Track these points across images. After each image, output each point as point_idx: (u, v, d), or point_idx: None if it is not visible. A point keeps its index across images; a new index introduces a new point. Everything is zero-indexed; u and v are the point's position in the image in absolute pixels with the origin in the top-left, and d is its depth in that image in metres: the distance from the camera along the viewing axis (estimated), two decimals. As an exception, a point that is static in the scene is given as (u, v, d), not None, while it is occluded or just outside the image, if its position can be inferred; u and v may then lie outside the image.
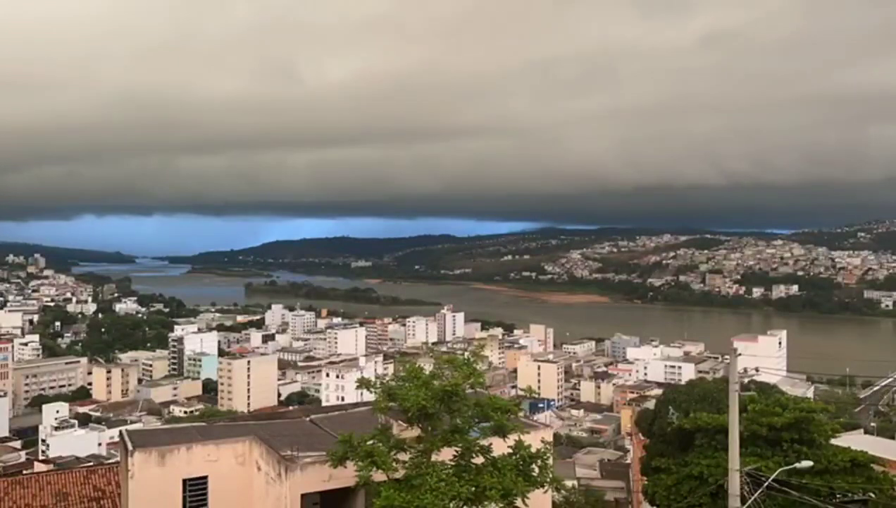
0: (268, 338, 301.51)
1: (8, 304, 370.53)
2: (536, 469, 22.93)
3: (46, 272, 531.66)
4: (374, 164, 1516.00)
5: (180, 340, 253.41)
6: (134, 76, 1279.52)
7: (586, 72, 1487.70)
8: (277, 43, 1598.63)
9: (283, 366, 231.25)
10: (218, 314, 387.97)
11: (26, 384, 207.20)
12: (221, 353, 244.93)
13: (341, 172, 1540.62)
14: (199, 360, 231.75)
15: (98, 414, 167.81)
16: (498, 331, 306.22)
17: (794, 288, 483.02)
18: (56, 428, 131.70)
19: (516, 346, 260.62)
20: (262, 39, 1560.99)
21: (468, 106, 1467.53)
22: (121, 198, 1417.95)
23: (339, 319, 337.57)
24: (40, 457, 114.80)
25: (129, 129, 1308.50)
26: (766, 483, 24.92)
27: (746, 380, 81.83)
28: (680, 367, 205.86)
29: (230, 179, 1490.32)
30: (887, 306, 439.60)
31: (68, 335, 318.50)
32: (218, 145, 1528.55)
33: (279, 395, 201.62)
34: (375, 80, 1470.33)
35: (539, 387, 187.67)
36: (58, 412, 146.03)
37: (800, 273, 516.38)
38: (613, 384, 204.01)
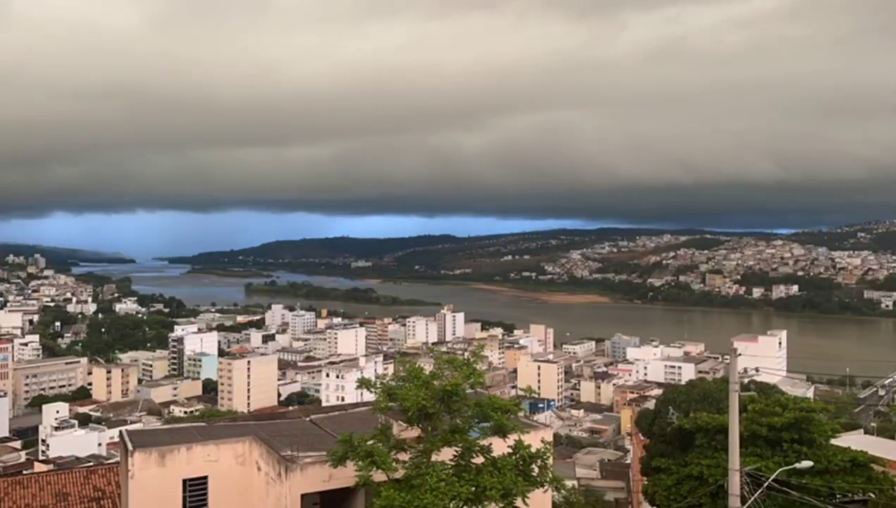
0: (268, 338, 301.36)
1: (8, 304, 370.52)
2: (536, 469, 22.93)
3: (46, 272, 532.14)
4: (362, 160, 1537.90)
5: (180, 340, 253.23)
6: (118, 72, 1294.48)
7: (550, 79, 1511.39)
8: (263, 40, 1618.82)
9: (283, 366, 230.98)
10: (218, 315, 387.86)
11: (26, 384, 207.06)
12: (221, 353, 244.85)
13: (335, 169, 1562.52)
14: (199, 360, 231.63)
15: (98, 414, 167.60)
16: (498, 331, 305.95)
17: (794, 288, 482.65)
18: (56, 428, 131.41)
19: (516, 346, 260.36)
20: (248, 35, 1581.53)
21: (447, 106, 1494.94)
22: (96, 195, 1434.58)
23: (339, 319, 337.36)
24: (40, 457, 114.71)
25: (109, 126, 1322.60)
26: (766, 483, 24.91)
27: (746, 380, 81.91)
28: (680, 367, 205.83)
29: (215, 176, 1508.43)
30: (887, 306, 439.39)
31: (68, 335, 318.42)
32: (207, 143, 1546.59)
33: (279, 395, 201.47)
34: (348, 80, 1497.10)
35: (539, 387, 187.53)
36: (58, 412, 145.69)
37: (800, 273, 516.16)
38: (613, 385, 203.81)
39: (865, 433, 69.59)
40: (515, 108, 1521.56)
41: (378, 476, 21.70)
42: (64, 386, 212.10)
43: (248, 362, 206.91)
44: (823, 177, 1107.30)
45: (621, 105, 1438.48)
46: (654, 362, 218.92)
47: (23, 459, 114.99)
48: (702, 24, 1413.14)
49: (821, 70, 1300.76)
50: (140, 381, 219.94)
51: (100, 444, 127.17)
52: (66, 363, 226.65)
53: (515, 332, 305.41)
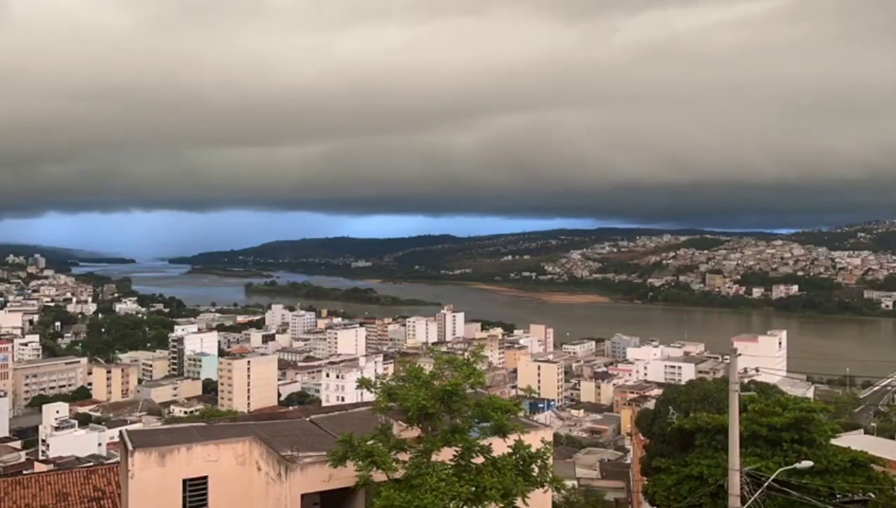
0: (268, 338, 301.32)
1: (8, 304, 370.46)
2: (536, 469, 22.94)
3: (46, 272, 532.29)
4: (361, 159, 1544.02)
5: (180, 340, 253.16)
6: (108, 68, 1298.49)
7: (545, 79, 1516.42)
8: (258, 41, 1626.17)
9: (283, 366, 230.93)
10: (218, 315, 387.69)
11: (26, 384, 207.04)
12: (221, 353, 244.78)
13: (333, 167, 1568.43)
14: (199, 360, 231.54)
15: (98, 414, 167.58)
16: (498, 331, 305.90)
17: (794, 288, 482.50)
18: (56, 428, 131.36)
19: (516, 346, 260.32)
20: (242, 36, 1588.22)
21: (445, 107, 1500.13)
22: (92, 195, 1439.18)
23: (339, 319, 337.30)
24: (40, 457, 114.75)
25: (105, 126, 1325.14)
26: (766, 483, 24.91)
27: (746, 380, 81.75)
28: (680, 367, 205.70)
29: (212, 176, 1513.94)
30: (887, 306, 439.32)
31: (68, 335, 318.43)
32: (204, 142, 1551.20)
33: (279, 395, 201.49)
34: (344, 80, 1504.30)
35: (539, 387, 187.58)
36: (58, 412, 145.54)
37: (800, 273, 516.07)
38: (613, 385, 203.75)
39: (865, 433, 69.61)
40: (513, 108, 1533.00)
41: (378, 476, 21.70)
42: (64, 386, 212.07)
43: (248, 362, 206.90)
44: (823, 177, 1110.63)
45: (620, 105, 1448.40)
46: (654, 362, 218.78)
47: (23, 459, 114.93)
48: (699, 24, 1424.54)
49: (819, 71, 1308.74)
50: (140, 381, 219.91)
51: (100, 444, 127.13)
52: (66, 363, 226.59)
53: (515, 332, 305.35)
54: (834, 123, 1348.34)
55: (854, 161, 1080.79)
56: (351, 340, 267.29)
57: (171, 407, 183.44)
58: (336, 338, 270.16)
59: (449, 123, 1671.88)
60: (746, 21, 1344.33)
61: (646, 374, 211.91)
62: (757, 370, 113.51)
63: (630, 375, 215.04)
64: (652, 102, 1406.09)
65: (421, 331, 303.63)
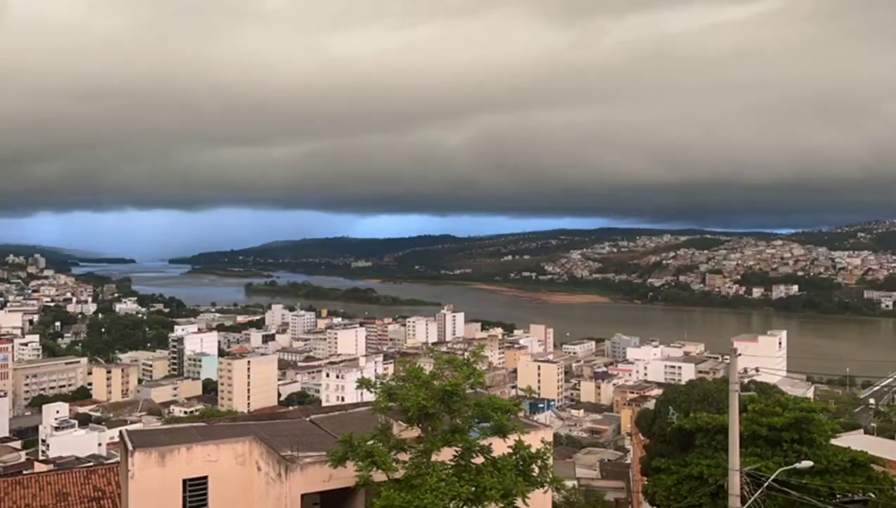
0: (268, 338, 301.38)
1: (8, 304, 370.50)
2: (536, 469, 22.92)
3: (46, 272, 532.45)
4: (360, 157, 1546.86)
5: (180, 340, 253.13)
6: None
7: (541, 80, 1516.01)
8: (254, 41, 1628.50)
9: (283, 366, 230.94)
10: (218, 315, 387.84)
11: (26, 384, 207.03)
12: (221, 353, 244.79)
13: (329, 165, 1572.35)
14: (199, 360, 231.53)
15: (98, 414, 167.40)
16: (498, 331, 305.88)
17: (794, 288, 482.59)
18: (56, 428, 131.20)
19: (516, 346, 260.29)
20: (238, 36, 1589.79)
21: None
22: (89, 195, 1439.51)
23: (339, 319, 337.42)
24: (40, 457, 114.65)
25: (102, 124, 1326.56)
26: (766, 483, 24.92)
27: (746, 380, 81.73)
28: (680, 367, 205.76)
29: (212, 176, 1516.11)
30: (887, 306, 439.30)
31: (68, 335, 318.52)
32: (205, 142, 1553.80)
33: (279, 395, 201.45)
34: (341, 80, 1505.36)
35: (539, 387, 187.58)
36: (58, 412, 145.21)
37: (800, 273, 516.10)
38: (613, 385, 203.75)
39: (865, 433, 69.61)
40: (509, 108, 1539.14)
41: (378, 476, 21.70)
42: (64, 386, 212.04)
43: (248, 362, 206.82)
44: (823, 177, 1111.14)
45: (618, 106, 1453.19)
46: (654, 362, 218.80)
47: (23, 459, 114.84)
48: (695, 26, 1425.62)
49: (818, 72, 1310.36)
50: (140, 381, 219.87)
51: (100, 444, 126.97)
52: (66, 363, 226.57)
53: (515, 332, 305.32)
54: (833, 123, 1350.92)
55: (852, 162, 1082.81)
56: (351, 340, 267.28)
57: (171, 407, 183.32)
58: (336, 338, 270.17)
59: (447, 122, 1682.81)
60: (741, 23, 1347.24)
61: (646, 374, 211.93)
62: (757, 370, 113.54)
63: (630, 375, 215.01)
64: (651, 103, 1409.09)
65: (421, 331, 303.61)
